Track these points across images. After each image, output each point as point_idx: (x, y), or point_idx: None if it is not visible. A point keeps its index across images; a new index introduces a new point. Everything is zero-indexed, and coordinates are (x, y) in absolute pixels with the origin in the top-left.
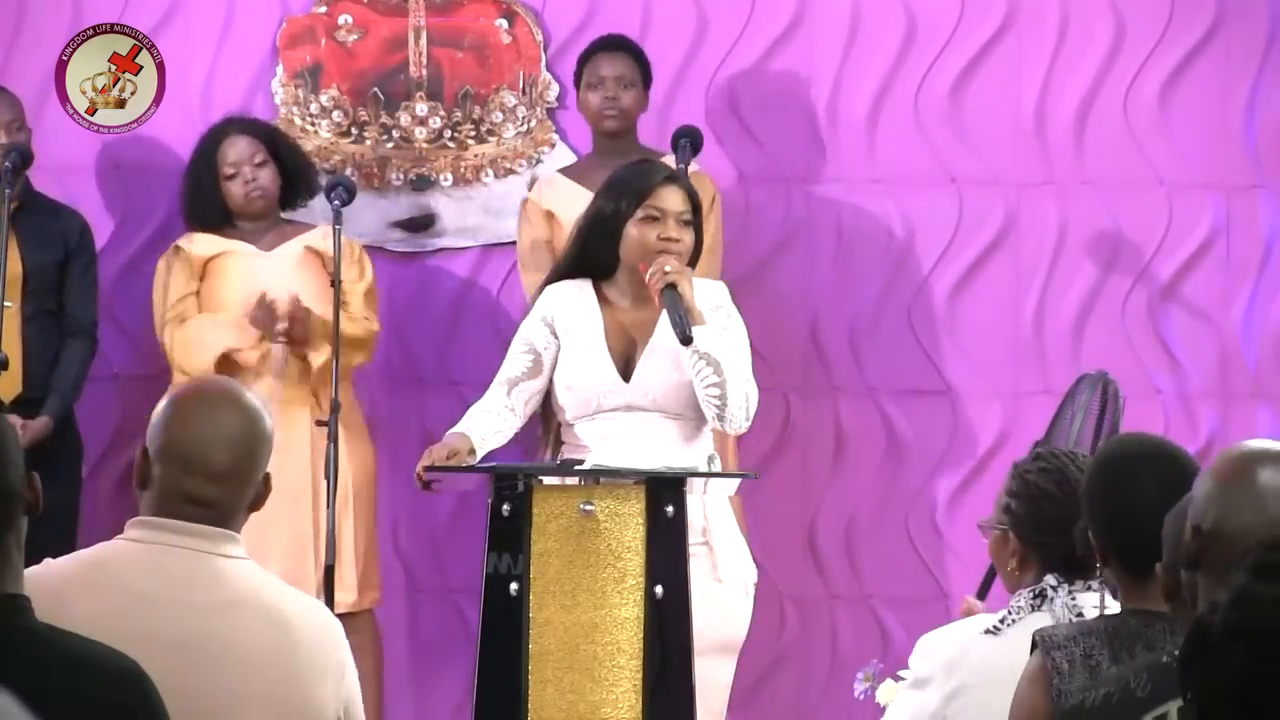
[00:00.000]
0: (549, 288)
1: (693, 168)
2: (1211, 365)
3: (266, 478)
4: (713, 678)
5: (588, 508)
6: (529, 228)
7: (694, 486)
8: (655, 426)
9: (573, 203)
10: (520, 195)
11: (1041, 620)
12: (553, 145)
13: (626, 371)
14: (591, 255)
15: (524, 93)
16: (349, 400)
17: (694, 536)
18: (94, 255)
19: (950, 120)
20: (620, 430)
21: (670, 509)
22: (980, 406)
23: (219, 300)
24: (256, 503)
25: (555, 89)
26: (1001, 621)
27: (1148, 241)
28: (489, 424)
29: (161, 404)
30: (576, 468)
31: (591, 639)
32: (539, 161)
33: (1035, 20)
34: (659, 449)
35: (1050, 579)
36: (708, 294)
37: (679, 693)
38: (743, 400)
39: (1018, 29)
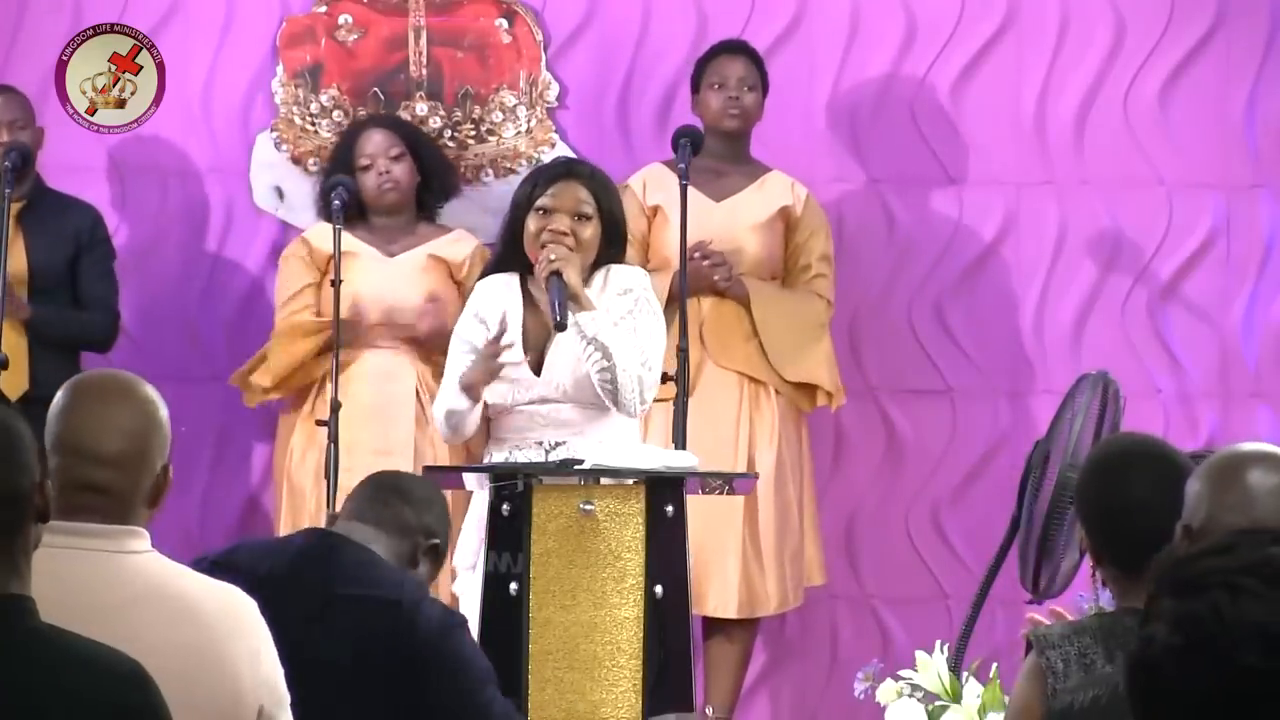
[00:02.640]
0: (479, 283)
1: (784, 180)
2: (1211, 365)
3: (165, 469)
4: None
5: (587, 507)
6: None
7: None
8: (567, 416)
9: (675, 198)
10: None
11: None
12: (553, 145)
13: (539, 365)
14: (511, 254)
15: (524, 93)
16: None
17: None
18: (109, 246)
19: (950, 120)
20: (536, 422)
21: (670, 508)
22: (980, 406)
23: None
24: (156, 496)
25: (555, 89)
26: None
27: (1148, 241)
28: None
29: (57, 396)
30: (576, 467)
31: (591, 639)
32: (539, 161)
33: (1035, 20)
34: (573, 440)
35: None
36: (622, 279)
37: (679, 692)
38: (634, 384)
39: (1018, 29)
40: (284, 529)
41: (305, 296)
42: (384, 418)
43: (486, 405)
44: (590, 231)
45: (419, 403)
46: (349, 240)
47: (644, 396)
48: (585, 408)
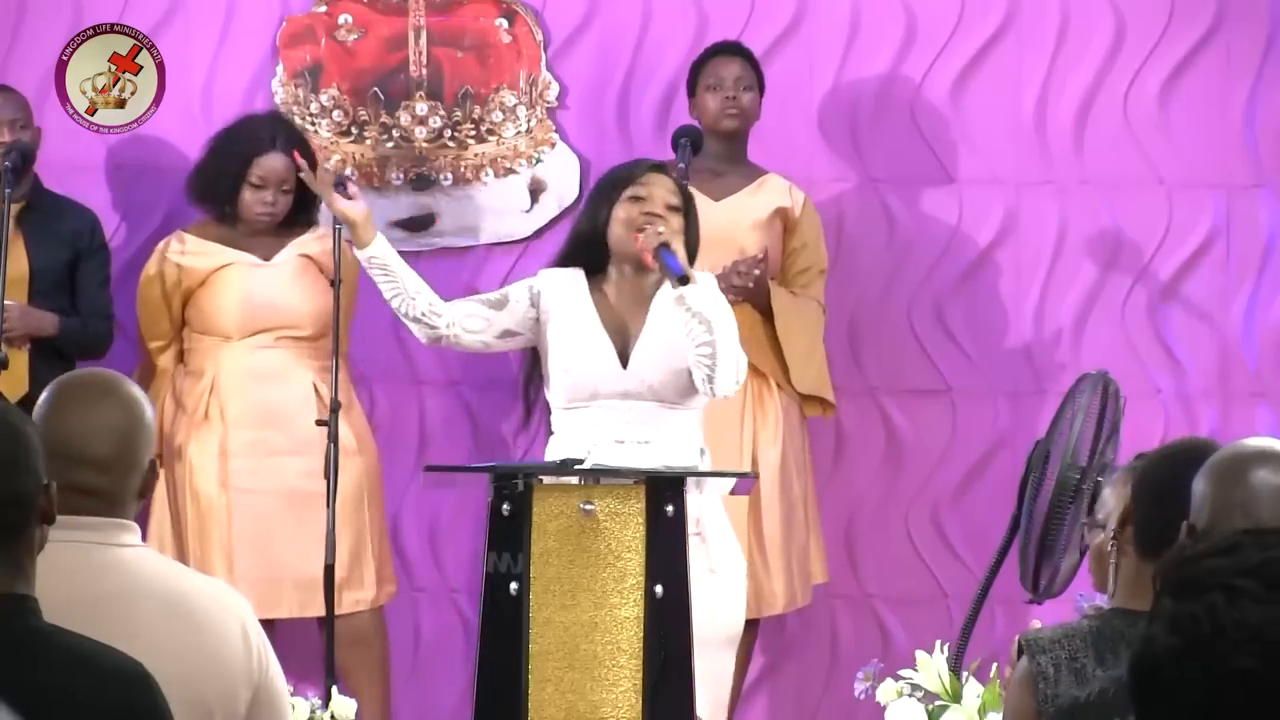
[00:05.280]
0: (542, 271)
1: (782, 183)
2: (1211, 365)
3: (153, 464)
4: (716, 670)
5: (588, 507)
6: None
7: (697, 483)
8: (651, 415)
9: None
10: (520, 194)
11: None
12: (553, 145)
13: (624, 359)
14: (585, 250)
15: (524, 92)
16: (350, 398)
17: (689, 528)
18: (108, 253)
19: (950, 120)
20: (616, 419)
21: (670, 508)
22: (980, 406)
23: (216, 310)
24: (144, 490)
25: (555, 89)
26: None
27: (1148, 241)
28: (420, 283)
29: (41, 399)
30: (576, 467)
31: (591, 638)
32: (539, 161)
33: (1035, 20)
34: (653, 439)
35: None
36: (700, 279)
37: (679, 692)
38: (733, 363)
39: (1018, 29)
40: (193, 541)
41: (160, 333)
42: (283, 418)
43: (556, 397)
44: (678, 223)
45: (318, 397)
46: (221, 251)
47: (739, 378)
48: (667, 405)
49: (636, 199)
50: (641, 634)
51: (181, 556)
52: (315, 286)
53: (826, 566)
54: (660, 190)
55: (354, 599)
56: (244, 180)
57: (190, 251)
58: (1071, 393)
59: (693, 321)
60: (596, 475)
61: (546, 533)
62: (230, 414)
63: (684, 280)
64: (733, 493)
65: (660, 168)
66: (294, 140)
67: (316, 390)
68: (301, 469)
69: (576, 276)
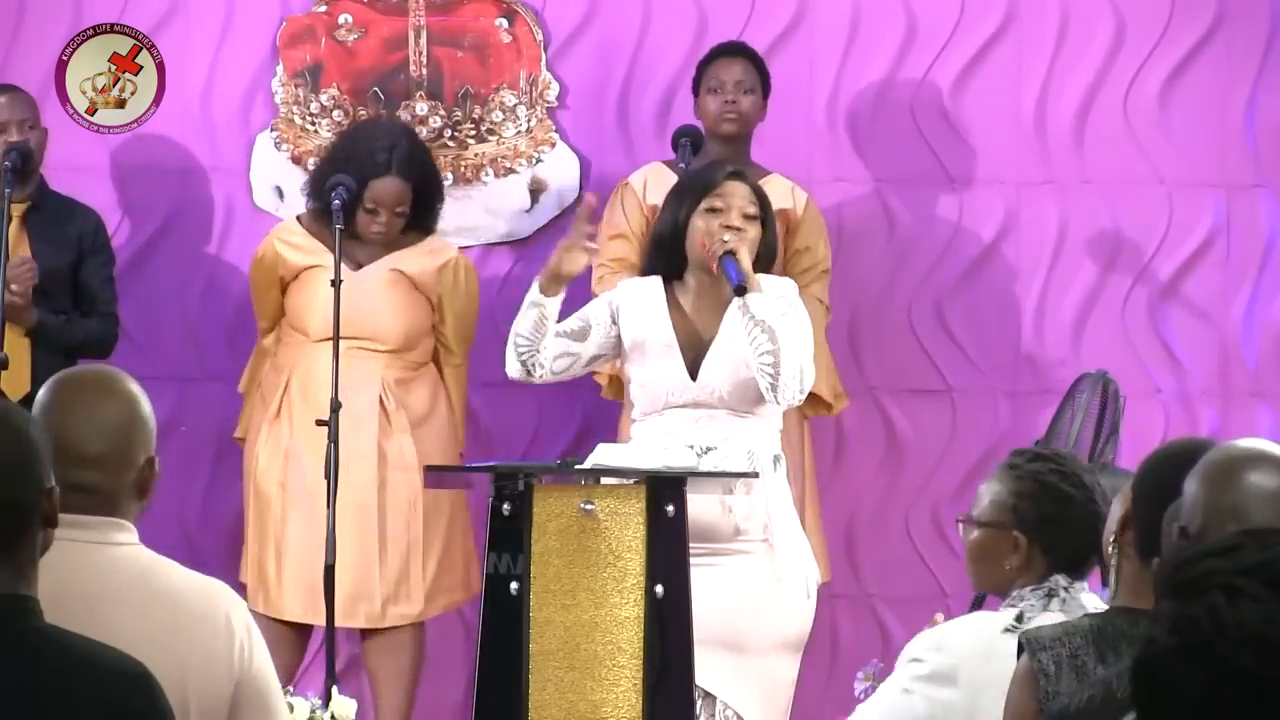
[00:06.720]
0: (621, 282)
1: (784, 183)
2: (1211, 365)
3: (150, 462)
4: (776, 675)
5: (588, 507)
6: (617, 216)
7: (750, 485)
8: (722, 423)
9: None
10: (520, 194)
11: (1052, 618)
12: (553, 145)
13: (695, 369)
14: (663, 257)
15: (524, 92)
16: (433, 410)
17: (755, 534)
18: (111, 252)
19: (950, 120)
20: (687, 426)
21: (670, 509)
22: (980, 406)
23: (302, 308)
24: (143, 489)
25: (555, 88)
26: (1019, 620)
27: (1148, 241)
28: (550, 344)
29: (40, 394)
30: (576, 467)
31: (592, 638)
32: (539, 161)
33: (1035, 20)
34: (722, 445)
35: (1060, 578)
36: (773, 286)
37: (679, 692)
38: (796, 371)
39: (1018, 29)
40: (251, 536)
41: (263, 313)
42: (344, 429)
43: (632, 406)
44: (755, 232)
45: (382, 410)
46: (319, 250)
47: (803, 387)
48: (738, 413)
49: (714, 209)
50: (641, 634)
51: (238, 547)
52: (404, 302)
53: (829, 566)
54: (738, 200)
55: (399, 613)
56: (359, 203)
57: (293, 244)
58: (1071, 392)
59: (755, 330)
60: (597, 475)
61: (546, 533)
62: (298, 417)
63: (740, 290)
64: (731, 492)
65: (739, 174)
66: (413, 158)
67: (382, 404)
68: (356, 480)
69: (654, 286)
